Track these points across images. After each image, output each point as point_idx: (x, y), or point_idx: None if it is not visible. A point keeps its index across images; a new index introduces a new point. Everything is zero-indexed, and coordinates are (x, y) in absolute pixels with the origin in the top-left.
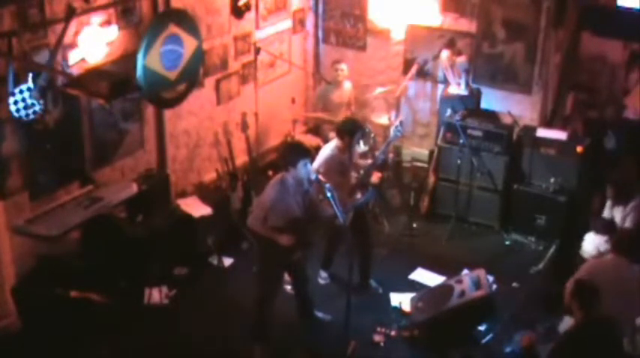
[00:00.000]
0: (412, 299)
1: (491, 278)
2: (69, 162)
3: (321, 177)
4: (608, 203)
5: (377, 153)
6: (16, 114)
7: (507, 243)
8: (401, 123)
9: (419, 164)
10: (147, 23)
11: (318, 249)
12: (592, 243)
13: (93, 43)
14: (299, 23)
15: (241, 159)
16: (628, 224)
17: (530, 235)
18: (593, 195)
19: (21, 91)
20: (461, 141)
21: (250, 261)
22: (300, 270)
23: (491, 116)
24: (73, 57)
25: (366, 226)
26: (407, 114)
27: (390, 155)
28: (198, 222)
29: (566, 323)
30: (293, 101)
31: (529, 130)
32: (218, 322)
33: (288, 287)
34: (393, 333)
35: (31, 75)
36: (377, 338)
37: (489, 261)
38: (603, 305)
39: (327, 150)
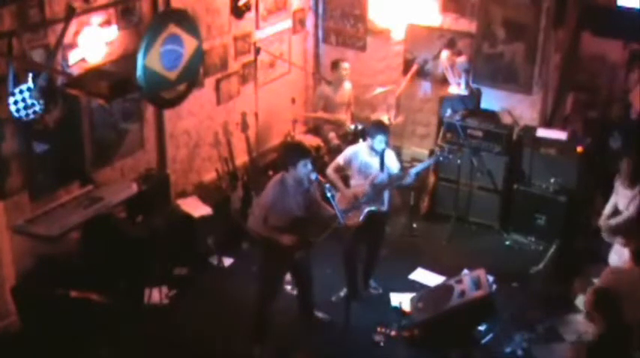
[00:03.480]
0: (412, 299)
1: (491, 278)
2: (69, 162)
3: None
4: (616, 185)
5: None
6: (16, 114)
7: (507, 243)
8: (449, 150)
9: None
10: (147, 23)
11: (320, 249)
12: (616, 254)
13: (93, 43)
14: (299, 23)
15: (241, 159)
16: (632, 209)
17: (530, 235)
18: (594, 195)
19: (21, 91)
20: (461, 141)
21: (250, 261)
22: (304, 270)
23: (491, 116)
24: (73, 57)
25: (382, 231)
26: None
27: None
28: (198, 222)
29: (567, 323)
30: (293, 101)
31: (529, 130)
32: (218, 322)
33: (289, 287)
34: (393, 333)
35: (31, 75)
36: (377, 338)
37: (489, 261)
38: (625, 317)
39: (355, 149)
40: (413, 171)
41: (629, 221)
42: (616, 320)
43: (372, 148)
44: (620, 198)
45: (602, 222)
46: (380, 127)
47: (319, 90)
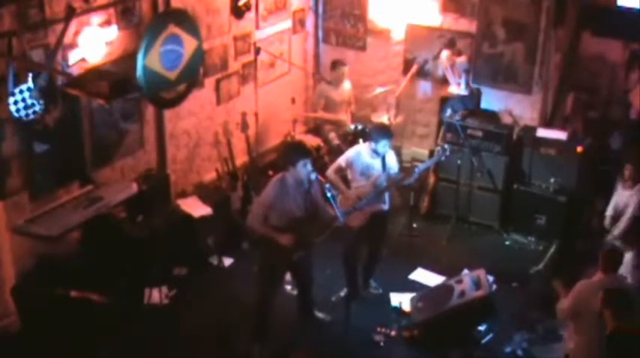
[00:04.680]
0: (412, 299)
1: (491, 278)
2: (69, 162)
3: (353, 180)
4: (618, 186)
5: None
6: (16, 114)
7: (507, 243)
8: (450, 149)
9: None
10: (147, 23)
11: (320, 249)
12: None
13: (93, 43)
14: (299, 23)
15: (241, 159)
16: (630, 208)
17: (530, 235)
18: (594, 196)
19: (21, 91)
20: (461, 141)
21: (250, 261)
22: (304, 270)
23: (492, 116)
24: (73, 57)
25: (384, 231)
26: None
27: None
28: (198, 222)
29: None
30: (293, 101)
31: (529, 130)
32: (218, 322)
33: (288, 287)
34: (393, 333)
35: (31, 75)
36: (377, 338)
37: (489, 261)
38: (591, 328)
39: (357, 150)
40: (417, 169)
41: (627, 225)
42: (628, 316)
43: (374, 150)
44: (620, 198)
45: (608, 225)
46: (384, 132)
47: (319, 89)
